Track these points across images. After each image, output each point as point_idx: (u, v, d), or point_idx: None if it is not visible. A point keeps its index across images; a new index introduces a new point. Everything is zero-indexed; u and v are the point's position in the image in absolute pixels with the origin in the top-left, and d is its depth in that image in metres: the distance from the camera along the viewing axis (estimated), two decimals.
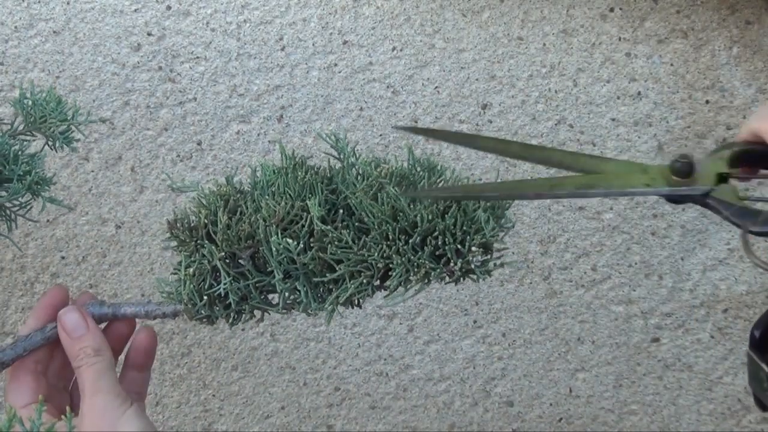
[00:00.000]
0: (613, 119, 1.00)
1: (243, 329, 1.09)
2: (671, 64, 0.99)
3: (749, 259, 0.55)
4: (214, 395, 1.13)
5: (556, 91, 1.00)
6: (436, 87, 0.97)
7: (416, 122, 0.99)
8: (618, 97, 0.99)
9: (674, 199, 0.59)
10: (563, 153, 0.61)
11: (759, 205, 0.57)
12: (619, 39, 0.98)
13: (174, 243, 0.65)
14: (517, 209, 1.02)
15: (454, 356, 1.11)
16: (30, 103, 0.68)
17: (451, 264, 0.57)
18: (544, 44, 0.96)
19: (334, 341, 1.10)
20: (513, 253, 1.05)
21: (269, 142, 1.00)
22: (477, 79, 0.97)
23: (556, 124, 1.01)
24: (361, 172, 0.63)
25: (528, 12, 0.94)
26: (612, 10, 0.95)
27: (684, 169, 0.57)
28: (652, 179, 0.58)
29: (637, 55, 0.98)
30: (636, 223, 1.02)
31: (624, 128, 1.00)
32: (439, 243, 0.57)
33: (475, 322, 1.09)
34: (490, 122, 1.00)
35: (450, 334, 1.09)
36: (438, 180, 0.63)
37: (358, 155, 0.65)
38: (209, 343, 1.10)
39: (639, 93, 0.99)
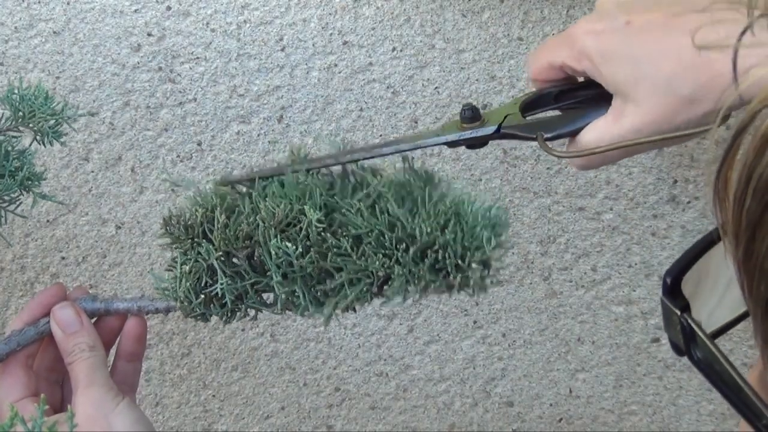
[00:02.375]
0: None
1: (243, 329, 1.09)
2: None
3: (549, 154, 0.59)
4: (214, 395, 1.13)
5: None
6: (436, 87, 0.97)
7: (416, 122, 0.99)
8: None
9: (471, 145, 0.63)
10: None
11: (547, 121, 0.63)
12: None
13: (168, 239, 0.65)
14: (518, 209, 1.03)
15: (454, 357, 1.11)
16: (18, 98, 0.68)
17: (451, 278, 0.57)
18: None
19: (334, 342, 1.10)
20: (513, 253, 1.05)
21: (269, 142, 1.00)
22: (477, 80, 0.97)
23: None
24: (359, 180, 0.63)
25: (528, 12, 0.94)
26: None
27: (469, 115, 0.62)
28: (444, 130, 0.63)
29: None
30: (636, 223, 1.02)
31: None
32: (439, 257, 0.57)
33: (475, 322, 1.09)
34: None
35: (450, 335, 1.09)
36: (435, 192, 0.63)
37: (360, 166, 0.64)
38: (209, 344, 1.10)
39: None
